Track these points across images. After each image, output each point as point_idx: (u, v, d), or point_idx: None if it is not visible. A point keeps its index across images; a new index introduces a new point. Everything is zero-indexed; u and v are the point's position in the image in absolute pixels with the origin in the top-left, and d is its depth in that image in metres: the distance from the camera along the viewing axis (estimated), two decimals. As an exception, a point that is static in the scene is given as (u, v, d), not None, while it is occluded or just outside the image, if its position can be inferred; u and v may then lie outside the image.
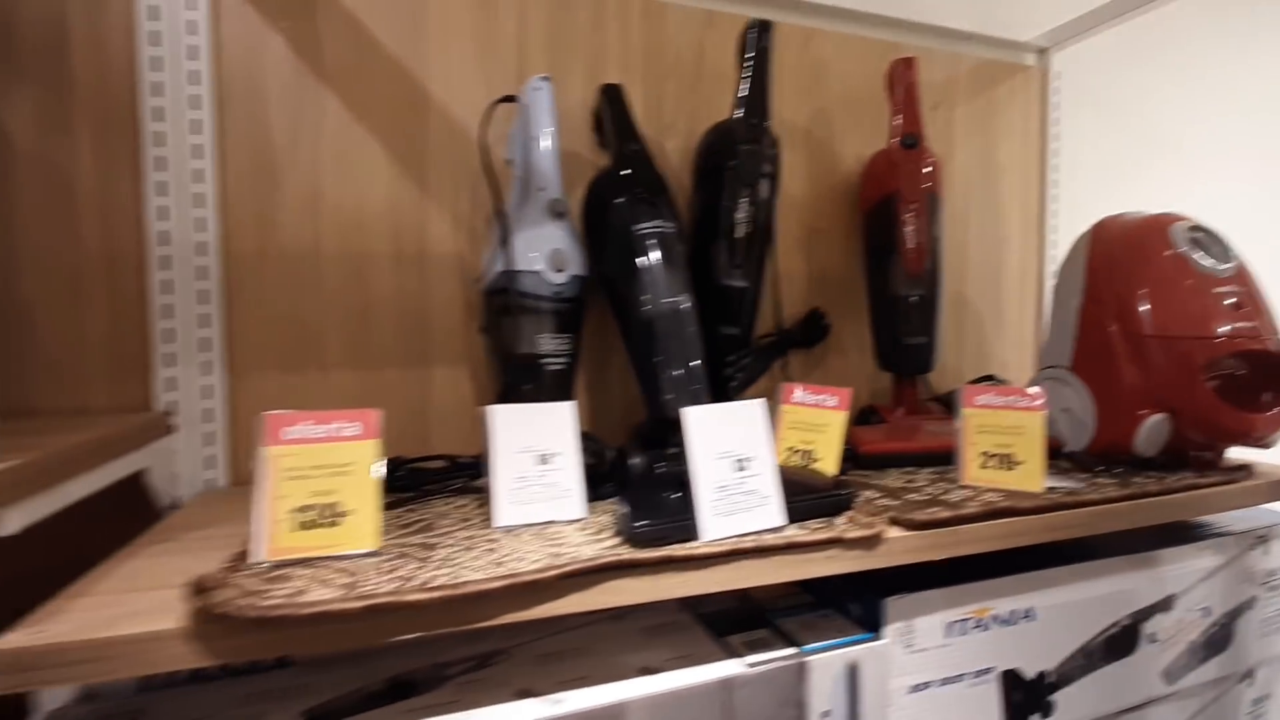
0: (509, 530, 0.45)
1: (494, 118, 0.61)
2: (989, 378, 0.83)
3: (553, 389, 0.57)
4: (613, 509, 0.48)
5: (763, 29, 0.63)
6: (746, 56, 0.63)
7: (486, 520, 0.46)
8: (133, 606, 0.33)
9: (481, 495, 0.53)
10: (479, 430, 0.48)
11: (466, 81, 0.64)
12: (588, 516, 0.47)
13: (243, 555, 0.38)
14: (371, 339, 0.62)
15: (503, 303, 0.57)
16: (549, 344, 0.57)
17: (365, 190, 0.61)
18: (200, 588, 0.32)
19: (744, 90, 0.63)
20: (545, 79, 0.58)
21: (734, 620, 0.51)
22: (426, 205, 0.63)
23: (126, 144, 0.55)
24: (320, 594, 0.34)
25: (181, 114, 0.55)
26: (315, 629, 0.33)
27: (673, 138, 0.72)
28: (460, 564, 0.38)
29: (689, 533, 0.42)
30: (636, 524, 0.41)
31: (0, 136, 0.52)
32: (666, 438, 0.52)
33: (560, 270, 0.56)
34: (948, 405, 0.75)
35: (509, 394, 0.57)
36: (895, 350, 0.73)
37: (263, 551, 0.38)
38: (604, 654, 0.46)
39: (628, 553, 0.39)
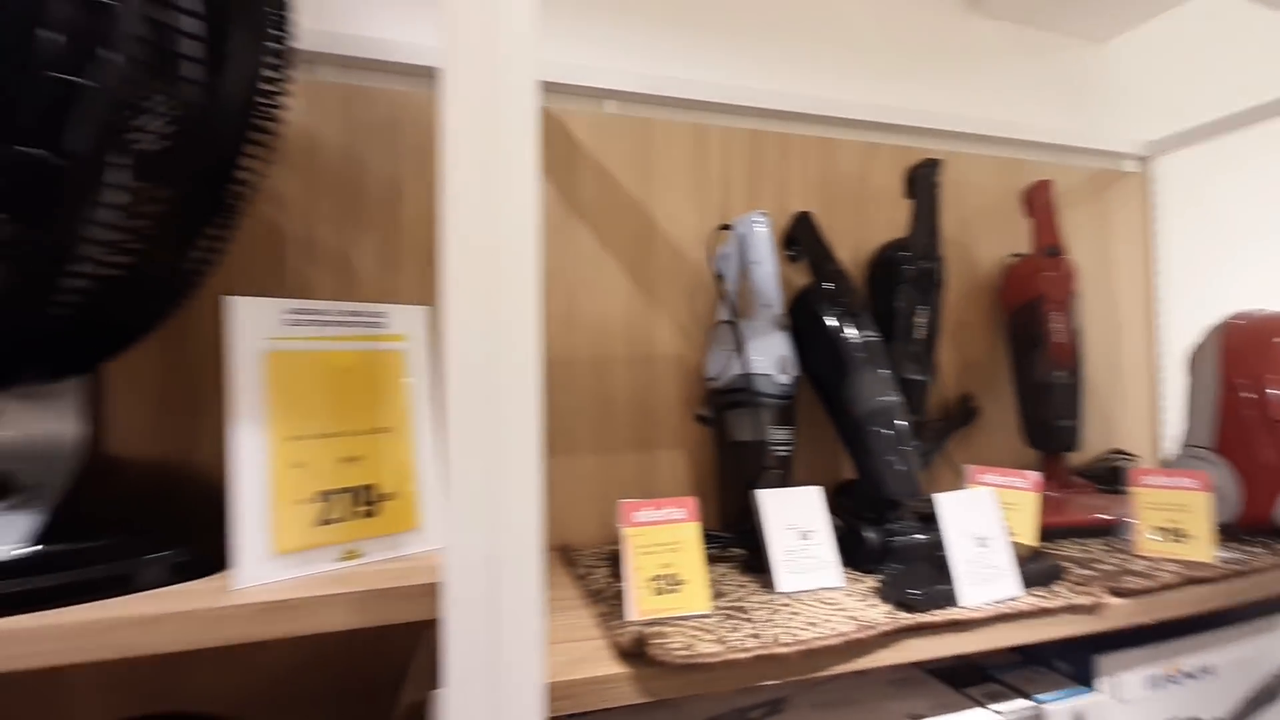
0: (792, 595, 0.55)
1: (690, 238, 0.74)
2: (1119, 453, 0.92)
3: (781, 472, 0.68)
4: (852, 574, 0.58)
5: (932, 165, 0.76)
6: (920, 185, 0.76)
7: (760, 587, 0.56)
8: (572, 655, 0.44)
9: (733, 563, 0.63)
10: (700, 505, 0.58)
11: (684, 212, 0.78)
12: (845, 585, 0.57)
13: (609, 615, 0.49)
14: (610, 428, 0.74)
15: (735, 399, 0.68)
16: (777, 434, 0.68)
17: (607, 304, 0.74)
18: (639, 641, 0.43)
19: (919, 212, 0.76)
20: (763, 214, 0.71)
21: (957, 675, 0.60)
22: (653, 315, 0.76)
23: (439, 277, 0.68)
24: (708, 646, 0.44)
25: (480, 250, 0.69)
26: (717, 674, 0.43)
27: (842, 251, 0.84)
28: (781, 624, 0.48)
29: (951, 600, 0.52)
30: (911, 591, 0.51)
31: (350, 271, 0.66)
32: (884, 514, 0.63)
33: (785, 373, 0.68)
34: (1089, 478, 0.84)
35: (738, 477, 0.68)
36: (1044, 431, 0.82)
37: (634, 612, 0.49)
38: (871, 702, 0.55)
39: (924, 617, 0.49)
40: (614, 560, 0.62)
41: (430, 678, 0.66)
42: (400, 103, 0.68)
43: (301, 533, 0.39)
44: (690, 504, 0.53)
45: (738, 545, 0.66)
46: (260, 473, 0.39)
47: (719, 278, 0.74)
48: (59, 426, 0.44)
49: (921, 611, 0.50)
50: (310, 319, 0.43)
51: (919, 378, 0.75)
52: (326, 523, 0.41)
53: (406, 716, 0.64)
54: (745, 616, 0.50)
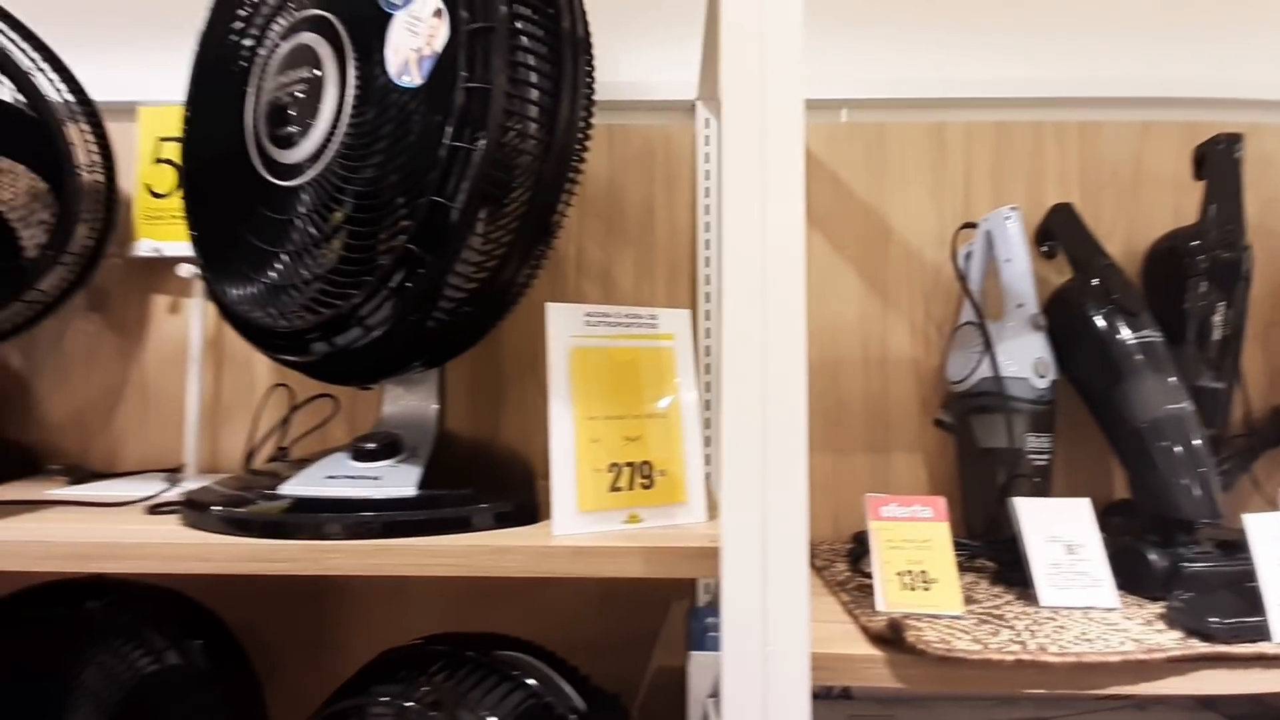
0: (1055, 610, 0.52)
1: (928, 239, 0.72)
2: None
3: (1038, 481, 0.63)
4: (1128, 599, 0.53)
5: (1231, 140, 0.66)
6: (1215, 164, 0.66)
7: (1017, 599, 0.54)
8: (822, 634, 0.47)
9: (982, 573, 0.61)
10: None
11: (921, 213, 0.77)
12: (1120, 607, 0.52)
13: (853, 604, 0.51)
14: (843, 429, 0.75)
15: (984, 403, 0.66)
16: (1032, 441, 0.64)
17: (840, 308, 0.76)
18: (895, 627, 0.45)
19: (1214, 195, 0.66)
20: (1014, 209, 0.67)
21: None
22: (887, 318, 0.76)
23: (686, 286, 0.76)
24: (965, 644, 0.44)
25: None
26: (974, 672, 0.43)
27: (1110, 244, 0.76)
28: (1048, 636, 0.46)
29: (1263, 634, 0.45)
30: (1212, 620, 0.46)
31: (612, 282, 0.77)
32: (1172, 536, 0.56)
33: (1043, 376, 0.64)
34: None
35: (987, 485, 0.65)
36: None
37: (883, 603, 0.50)
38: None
39: (1226, 647, 0.44)
40: (852, 556, 0.63)
41: (676, 647, 0.73)
42: (653, 135, 0.77)
43: (598, 496, 0.48)
44: (939, 504, 0.53)
45: (986, 556, 0.63)
46: (569, 444, 0.48)
47: (962, 278, 0.72)
48: (424, 404, 0.59)
49: (1222, 643, 0.45)
50: (601, 320, 0.52)
51: (1215, 385, 0.65)
52: (615, 490, 0.49)
53: (655, 677, 0.72)
54: (1004, 624, 0.48)
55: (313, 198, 0.49)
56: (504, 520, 0.50)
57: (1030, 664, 0.42)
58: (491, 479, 0.55)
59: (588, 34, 0.50)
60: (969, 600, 0.54)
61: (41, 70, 0.64)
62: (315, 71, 0.50)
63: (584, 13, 0.50)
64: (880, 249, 0.77)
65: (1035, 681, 0.43)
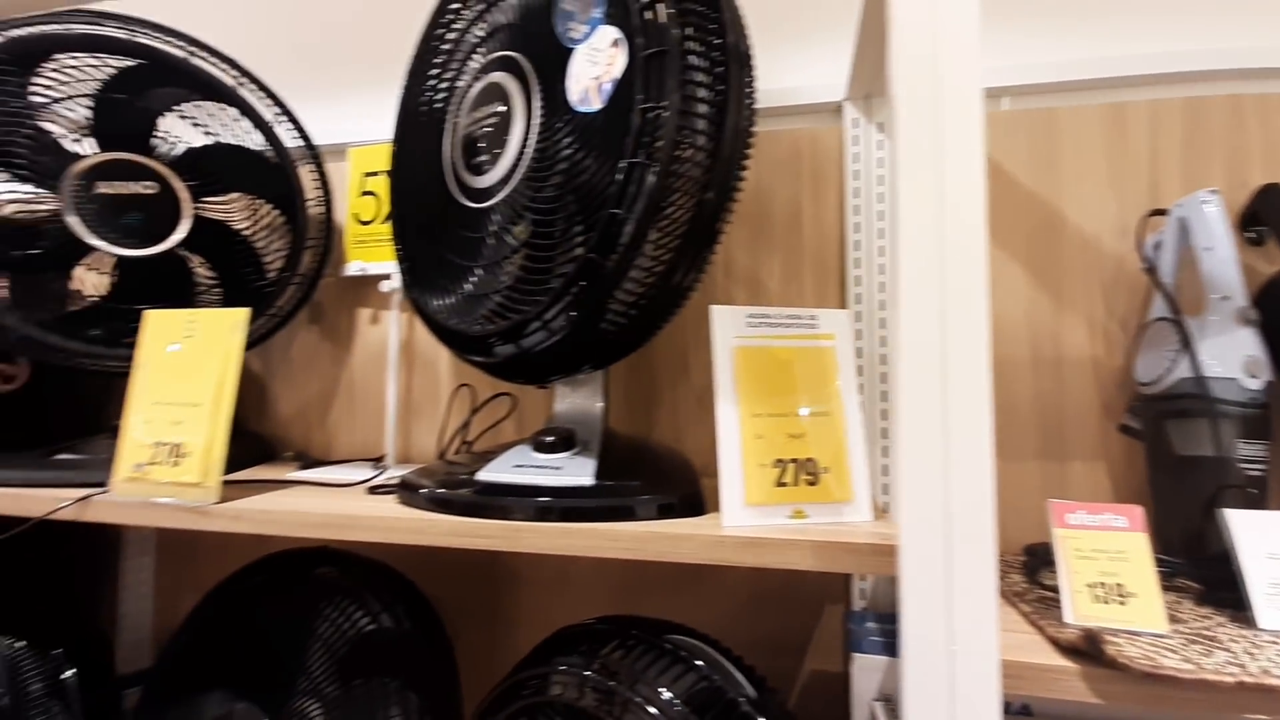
0: (1277, 635, 0.46)
1: (1106, 229, 0.66)
2: None
3: (1255, 493, 0.57)
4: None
5: None
6: None
7: (1230, 621, 0.48)
8: (1008, 642, 0.45)
9: (1183, 593, 0.55)
10: (1218, 532, 0.51)
11: (1098, 201, 0.71)
12: (1371, 637, 0.45)
13: (1036, 615, 0.49)
14: (1012, 434, 0.71)
15: (1182, 407, 0.60)
16: (1245, 449, 0.57)
17: (1005, 305, 0.72)
18: (1093, 639, 0.43)
19: None
20: (1214, 192, 0.61)
21: None
22: (1061, 315, 0.71)
23: (834, 287, 0.76)
24: (1174, 662, 0.41)
25: (872, 262, 0.74)
26: (1186, 692, 0.40)
27: (1343, 225, 0.66)
28: (1271, 660, 0.41)
29: None
30: None
31: (759, 285, 0.78)
32: None
33: (1255, 377, 0.57)
34: None
35: (1188, 497, 0.59)
36: None
37: (1071, 615, 0.47)
38: None
39: None
40: (1027, 568, 0.60)
41: (829, 650, 0.73)
42: (799, 138, 0.78)
43: (764, 490, 0.50)
44: (1135, 513, 0.49)
45: (1188, 574, 0.57)
46: (735, 440, 0.50)
47: (1150, 270, 0.66)
48: (591, 402, 0.64)
49: None
50: (762, 321, 0.53)
51: None
52: (781, 485, 0.50)
53: (809, 680, 0.72)
54: (1218, 645, 0.44)
55: (502, 216, 0.56)
56: (672, 511, 0.53)
57: (1256, 688, 0.38)
58: (657, 472, 0.58)
59: (749, 48, 0.52)
60: (1172, 619, 0.49)
61: (280, 121, 0.77)
62: (504, 105, 0.56)
63: (745, 28, 0.52)
64: (1051, 241, 0.72)
65: (1260, 707, 0.39)
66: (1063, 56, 0.74)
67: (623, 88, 0.48)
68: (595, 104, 0.49)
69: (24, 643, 0.67)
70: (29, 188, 0.65)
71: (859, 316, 0.74)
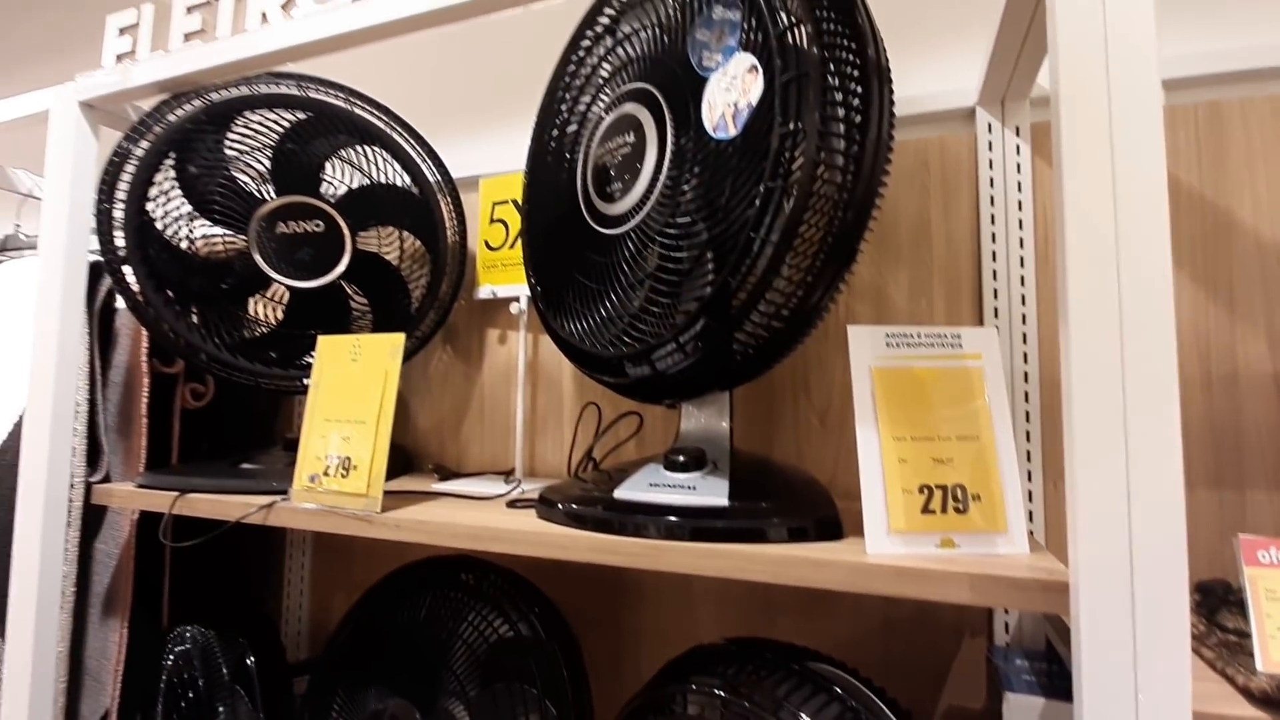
0: None
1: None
2: None
3: None
4: None
5: None
6: None
7: None
8: (1195, 690, 0.41)
9: None
10: None
11: (1273, 199, 0.64)
12: None
13: (1217, 661, 0.44)
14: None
15: (1399, 431, 0.52)
16: None
17: (1167, 317, 0.66)
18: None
19: None
20: None
21: None
22: (1235, 327, 0.64)
23: (969, 300, 0.73)
24: None
25: (1012, 276, 0.70)
26: None
27: None
28: None
29: None
30: None
31: (884, 301, 0.76)
32: None
33: None
34: None
35: None
36: None
37: (1264, 663, 0.43)
38: None
39: None
40: (1203, 607, 0.54)
41: (967, 685, 0.69)
42: (926, 147, 0.75)
43: (909, 517, 0.48)
44: (1348, 552, 0.43)
45: None
46: (877, 464, 0.49)
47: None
48: (718, 421, 0.64)
49: None
50: (902, 341, 0.52)
51: None
52: (927, 512, 0.48)
53: (948, 717, 0.68)
54: None
55: (635, 242, 0.58)
56: (809, 535, 0.52)
57: None
58: (790, 494, 0.58)
59: (888, 61, 0.51)
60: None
61: (423, 159, 0.83)
62: (636, 134, 0.58)
63: (882, 41, 0.51)
64: (1221, 246, 0.65)
65: None
66: (1226, 45, 0.68)
67: (760, 112, 0.49)
68: (731, 130, 0.50)
69: (214, 631, 0.76)
70: (223, 230, 0.74)
71: (1000, 332, 0.70)
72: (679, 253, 0.53)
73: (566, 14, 0.71)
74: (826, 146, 0.48)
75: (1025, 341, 0.70)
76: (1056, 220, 0.41)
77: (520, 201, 0.74)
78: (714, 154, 0.52)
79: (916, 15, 0.79)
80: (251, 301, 0.82)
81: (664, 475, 0.58)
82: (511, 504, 0.66)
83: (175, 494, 0.70)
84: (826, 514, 0.54)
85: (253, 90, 0.73)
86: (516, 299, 0.85)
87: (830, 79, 0.48)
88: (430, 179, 0.84)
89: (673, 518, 0.52)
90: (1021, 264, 0.70)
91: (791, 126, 0.47)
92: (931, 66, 0.77)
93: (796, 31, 0.48)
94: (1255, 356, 0.64)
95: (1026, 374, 0.69)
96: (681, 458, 0.58)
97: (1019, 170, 0.71)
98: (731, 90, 0.51)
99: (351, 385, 0.65)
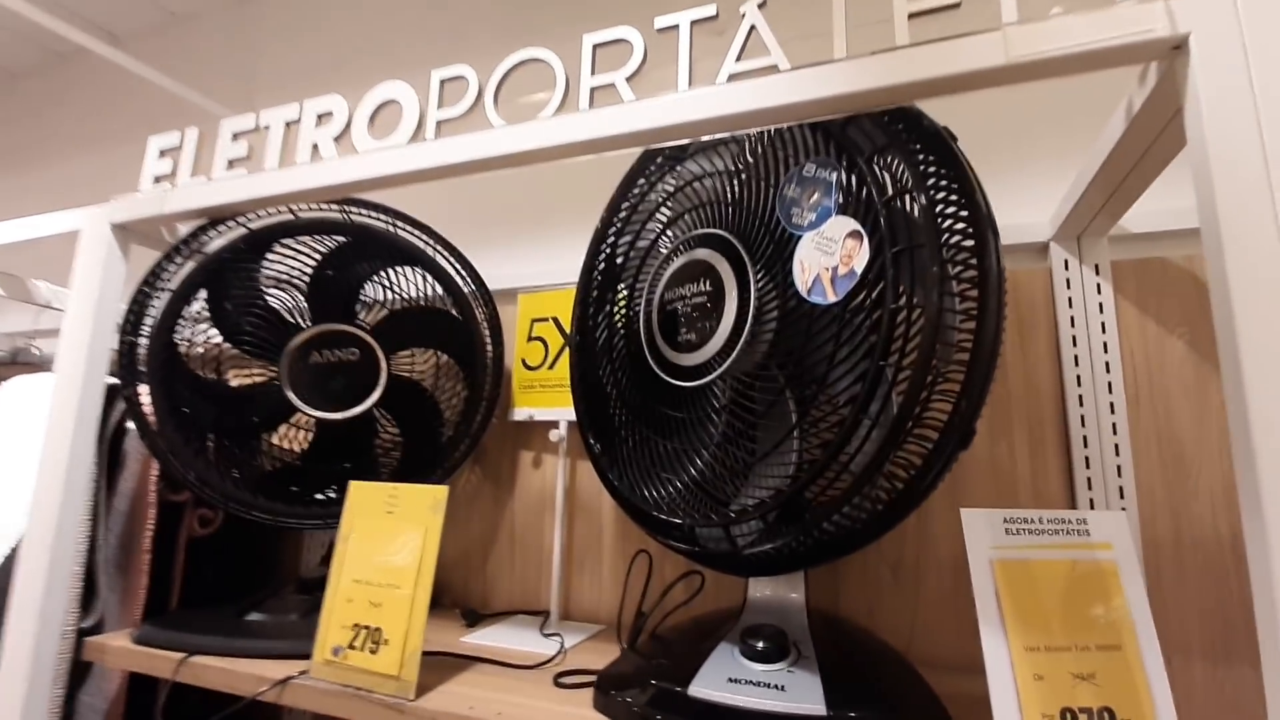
0: None
1: None
2: None
3: None
4: None
5: None
6: None
7: None
8: None
9: None
10: None
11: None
12: None
13: None
14: (1309, 637, 0.58)
15: None
16: None
17: (1281, 476, 0.61)
18: None
19: None
20: None
21: None
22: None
23: (1054, 446, 0.67)
24: None
25: (1100, 418, 0.65)
26: None
27: None
28: None
29: None
30: None
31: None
32: None
33: None
34: None
35: None
36: None
37: None
38: None
39: None
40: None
41: None
42: (998, 281, 0.72)
43: (1052, 749, 0.41)
44: None
45: None
46: (1009, 682, 0.42)
47: None
48: (791, 591, 0.58)
49: None
50: (1023, 527, 0.46)
51: None
52: (1072, 742, 0.41)
53: None
54: None
55: (717, 401, 0.53)
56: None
57: None
58: (893, 692, 0.50)
59: (996, 223, 0.48)
60: None
61: (464, 278, 0.80)
62: (712, 283, 0.54)
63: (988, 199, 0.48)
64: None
65: None
66: None
67: (866, 281, 0.45)
68: (830, 295, 0.46)
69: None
70: (257, 363, 0.69)
71: (1090, 484, 0.64)
72: (768, 420, 0.48)
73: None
74: (944, 317, 0.43)
75: (1122, 496, 0.64)
76: (1085, 374, 0.36)
77: (567, 330, 0.69)
78: (806, 316, 0.48)
79: (990, 148, 0.77)
80: (279, 433, 0.77)
81: (745, 667, 0.51)
82: (560, 680, 0.58)
83: (178, 657, 0.62)
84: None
85: (296, 216, 0.70)
86: (556, 424, 0.80)
87: (943, 240, 0.44)
88: (468, 295, 0.80)
89: (765, 734, 0.45)
90: (1112, 410, 0.65)
91: (904, 303, 0.42)
92: (1006, 198, 0.75)
93: (906, 199, 0.44)
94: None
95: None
96: (762, 645, 0.51)
97: (1101, 310, 0.67)
98: (829, 254, 0.47)
99: (385, 542, 0.59)
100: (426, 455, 0.77)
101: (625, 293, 0.64)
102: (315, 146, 0.62)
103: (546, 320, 0.85)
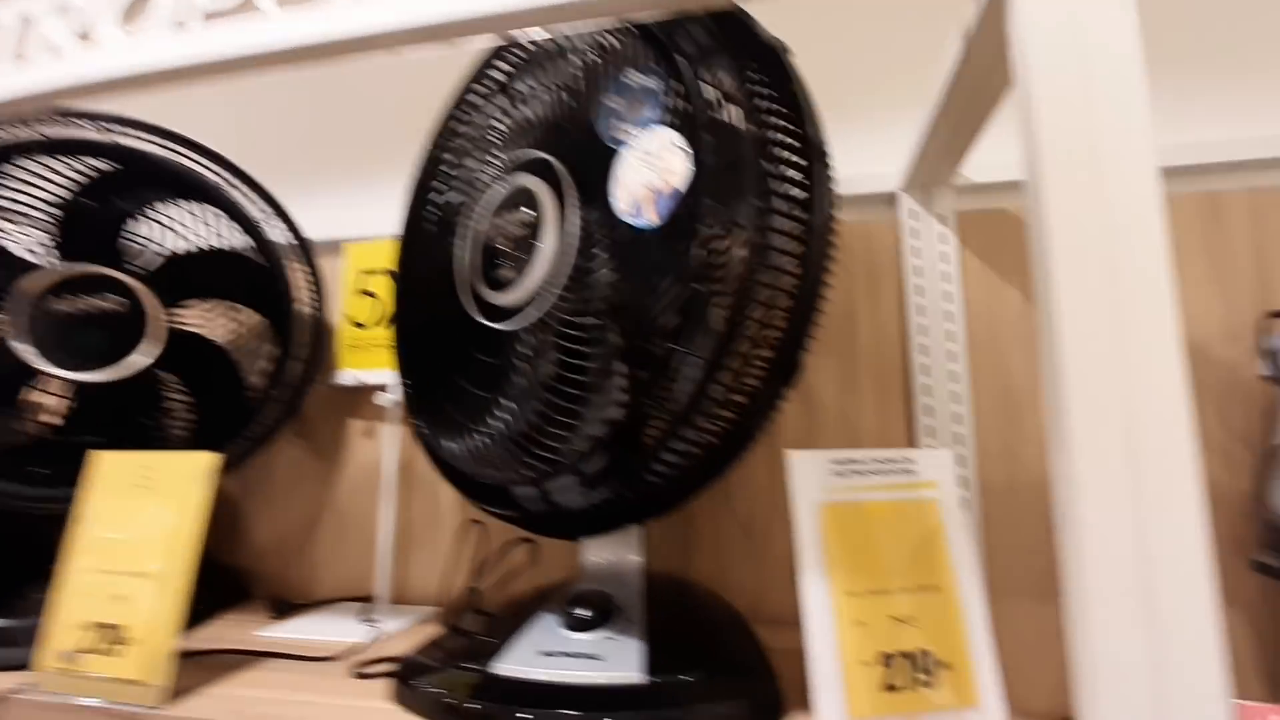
0: None
1: (1210, 334, 0.58)
2: None
3: None
4: None
5: None
6: None
7: None
8: None
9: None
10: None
11: (1201, 301, 0.63)
12: None
13: None
14: (1121, 571, 0.60)
15: (1347, 554, 0.49)
16: None
17: (1099, 419, 0.63)
18: None
19: None
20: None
21: None
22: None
23: (898, 395, 0.66)
24: None
25: (941, 366, 0.65)
26: None
27: None
28: None
29: None
30: None
31: (812, 400, 0.69)
32: None
33: None
34: None
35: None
36: None
37: None
38: None
39: None
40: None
41: None
42: (850, 232, 0.70)
43: (871, 698, 0.38)
44: (1352, 722, 0.38)
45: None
46: (830, 630, 0.39)
47: (1273, 379, 0.57)
48: (627, 554, 0.53)
49: None
50: (849, 468, 0.43)
51: None
52: (890, 689, 0.39)
53: None
54: None
55: (528, 344, 0.46)
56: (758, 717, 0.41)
57: None
58: (719, 651, 0.47)
59: (826, 142, 0.44)
60: None
61: (268, 220, 0.69)
62: (532, 211, 0.48)
63: (819, 119, 0.44)
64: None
65: None
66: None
67: (687, 200, 0.40)
68: (651, 218, 0.41)
69: None
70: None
71: (931, 433, 0.64)
72: (583, 360, 0.43)
73: (453, 65, 0.60)
74: (765, 243, 0.39)
75: (962, 443, 0.64)
76: (1043, 331, 0.34)
77: (392, 276, 0.60)
78: (628, 244, 0.42)
79: (835, 93, 0.75)
80: (28, 399, 0.63)
81: (562, 637, 0.45)
82: (361, 671, 0.50)
83: None
84: (764, 684, 0.43)
85: (33, 132, 0.57)
86: (384, 387, 0.71)
87: (768, 165, 0.40)
88: (277, 241, 0.69)
89: (568, 710, 0.39)
90: (954, 359, 0.65)
91: (724, 220, 0.38)
92: (858, 149, 0.73)
93: (730, 110, 0.39)
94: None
95: (965, 479, 0.63)
96: (584, 613, 0.46)
97: (946, 260, 0.67)
98: (651, 170, 0.42)
99: (137, 522, 0.48)
100: (228, 422, 0.66)
101: (449, 227, 0.56)
102: (53, 46, 0.49)
103: (377, 273, 0.75)
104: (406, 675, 0.46)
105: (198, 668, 0.51)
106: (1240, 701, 0.39)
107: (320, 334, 0.74)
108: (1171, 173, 0.65)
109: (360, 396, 0.77)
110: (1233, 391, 0.61)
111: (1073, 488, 0.31)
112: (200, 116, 0.74)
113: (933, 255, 0.67)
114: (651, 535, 0.68)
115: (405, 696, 0.45)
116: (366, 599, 0.71)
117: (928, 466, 0.45)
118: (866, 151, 0.73)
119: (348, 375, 0.74)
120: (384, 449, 0.71)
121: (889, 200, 0.70)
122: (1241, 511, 0.59)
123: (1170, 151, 0.65)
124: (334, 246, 0.78)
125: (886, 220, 0.70)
